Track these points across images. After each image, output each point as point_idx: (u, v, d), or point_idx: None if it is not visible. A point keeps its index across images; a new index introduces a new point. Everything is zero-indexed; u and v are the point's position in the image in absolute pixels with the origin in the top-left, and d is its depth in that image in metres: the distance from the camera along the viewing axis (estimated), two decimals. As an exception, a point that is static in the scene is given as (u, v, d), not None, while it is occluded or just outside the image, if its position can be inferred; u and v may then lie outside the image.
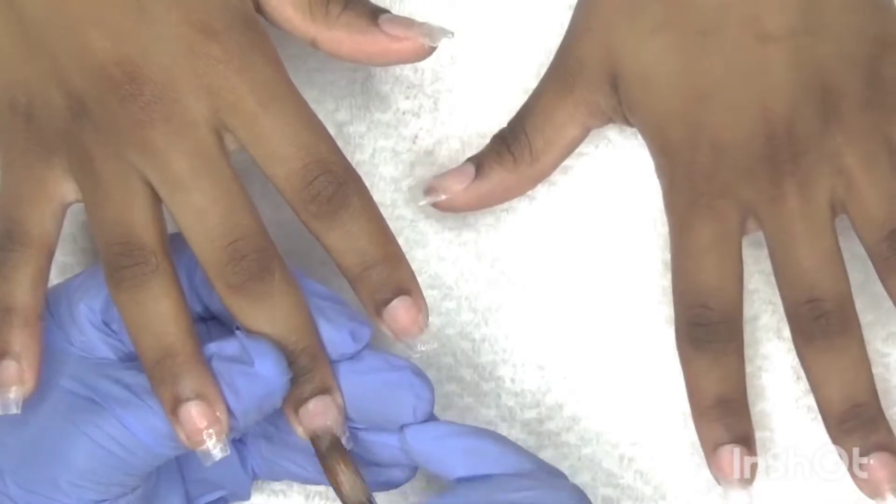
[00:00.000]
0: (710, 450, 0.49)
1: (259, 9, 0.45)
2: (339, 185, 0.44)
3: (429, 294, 0.52)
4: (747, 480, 0.49)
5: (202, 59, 0.43)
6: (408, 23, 0.45)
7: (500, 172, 0.50)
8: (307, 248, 0.48)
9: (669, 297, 0.51)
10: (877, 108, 0.48)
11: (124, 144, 0.43)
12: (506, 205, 0.52)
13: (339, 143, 0.51)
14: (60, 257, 0.51)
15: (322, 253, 0.45)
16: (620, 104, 0.50)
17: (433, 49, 0.46)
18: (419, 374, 0.46)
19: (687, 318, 0.49)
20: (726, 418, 0.48)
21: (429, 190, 0.50)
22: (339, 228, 0.44)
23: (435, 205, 0.50)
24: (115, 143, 0.43)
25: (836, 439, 0.48)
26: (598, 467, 0.52)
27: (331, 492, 0.51)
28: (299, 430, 0.45)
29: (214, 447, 0.43)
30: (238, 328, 0.44)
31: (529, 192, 0.52)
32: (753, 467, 0.49)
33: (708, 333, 0.48)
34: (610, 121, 0.51)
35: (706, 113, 0.48)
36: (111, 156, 0.43)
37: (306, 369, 0.44)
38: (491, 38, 0.53)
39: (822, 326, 0.48)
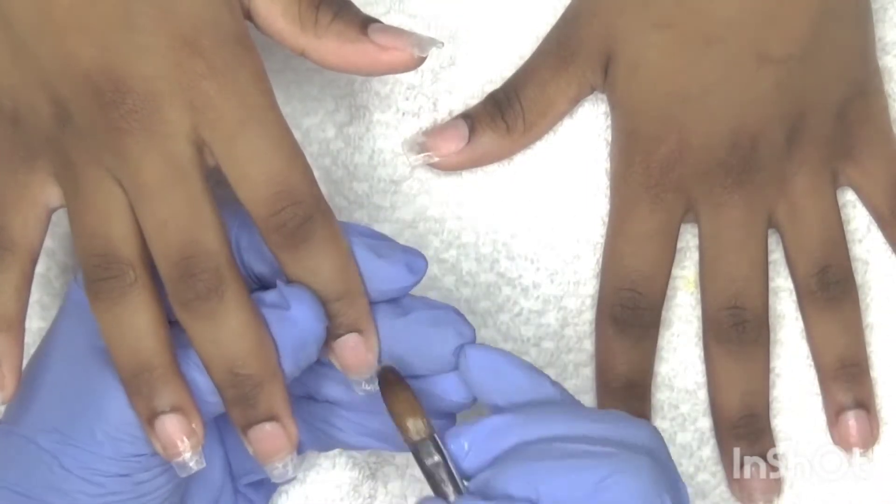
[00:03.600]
0: None
1: (249, 17, 0.45)
2: (305, 217, 0.43)
3: (429, 296, 0.52)
4: None
5: (186, 74, 0.42)
6: (397, 33, 0.45)
7: (493, 138, 0.51)
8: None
9: (671, 298, 0.52)
10: (833, 144, 0.51)
11: (103, 151, 0.43)
12: (505, 208, 0.52)
13: (339, 144, 0.52)
14: (62, 257, 0.51)
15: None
16: (605, 80, 0.51)
17: (423, 59, 0.46)
18: (461, 314, 0.45)
19: (615, 298, 0.51)
20: (631, 402, 0.51)
21: (422, 147, 0.51)
22: (301, 261, 0.44)
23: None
24: (94, 150, 0.43)
25: (722, 441, 0.51)
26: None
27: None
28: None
29: (190, 459, 0.43)
30: (280, 278, 0.44)
31: (528, 192, 0.52)
32: None
33: (633, 317, 0.50)
34: (593, 91, 0.52)
35: (684, 112, 0.50)
36: (91, 163, 0.43)
37: (249, 397, 0.43)
38: (490, 40, 0.53)
39: (739, 333, 0.50)
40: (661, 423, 0.52)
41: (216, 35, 0.43)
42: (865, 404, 0.51)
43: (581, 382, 0.52)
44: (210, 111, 0.43)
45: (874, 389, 0.52)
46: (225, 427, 0.47)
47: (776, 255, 0.52)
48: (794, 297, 0.52)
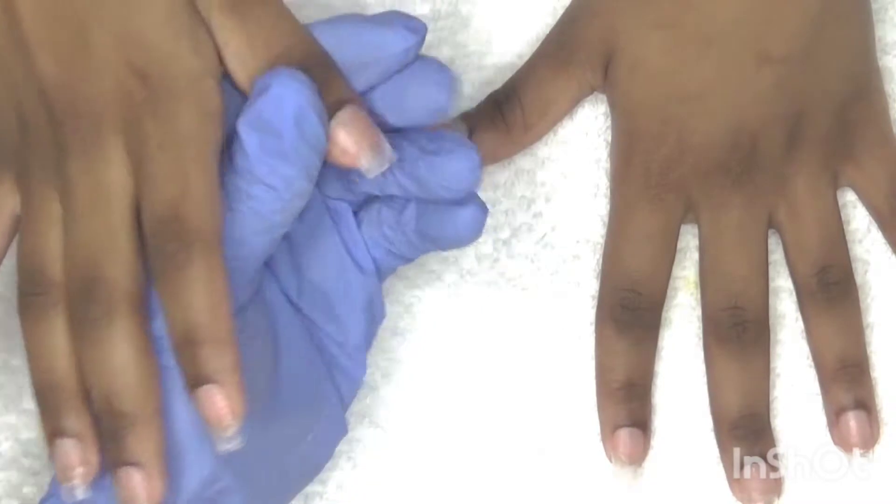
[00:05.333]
0: (610, 430, 0.51)
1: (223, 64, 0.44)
2: (183, 245, 0.41)
3: (430, 295, 0.52)
4: (638, 462, 0.51)
5: (128, 101, 0.42)
6: (359, 133, 0.43)
7: (493, 138, 0.51)
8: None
9: (672, 298, 0.52)
10: (833, 145, 0.51)
11: (50, 168, 0.43)
12: (507, 207, 0.52)
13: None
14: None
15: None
16: (605, 80, 0.52)
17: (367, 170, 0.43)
18: (440, 64, 0.45)
19: (615, 298, 0.51)
20: (631, 402, 0.51)
21: None
22: (173, 293, 0.41)
23: None
24: (45, 166, 0.43)
25: (722, 441, 0.51)
26: (599, 468, 0.52)
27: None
28: None
29: (77, 487, 0.42)
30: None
31: (528, 192, 0.53)
32: (647, 450, 0.51)
33: (634, 318, 0.50)
34: (592, 92, 0.52)
35: (684, 113, 0.50)
36: (43, 179, 0.43)
37: (120, 435, 0.42)
38: (490, 40, 0.53)
39: (739, 334, 0.50)
40: (661, 422, 0.52)
41: (169, 68, 0.43)
42: (866, 405, 0.51)
43: (582, 382, 0.52)
44: (140, 133, 0.42)
45: (874, 389, 0.52)
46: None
47: (776, 256, 0.52)
48: (794, 297, 0.52)
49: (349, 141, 0.42)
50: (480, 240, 0.52)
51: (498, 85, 0.52)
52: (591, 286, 0.52)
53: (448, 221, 0.45)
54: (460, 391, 0.52)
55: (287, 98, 0.41)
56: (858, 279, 0.52)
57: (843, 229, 0.51)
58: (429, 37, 0.51)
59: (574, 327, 0.52)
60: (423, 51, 0.52)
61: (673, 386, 0.52)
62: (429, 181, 0.44)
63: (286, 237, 0.45)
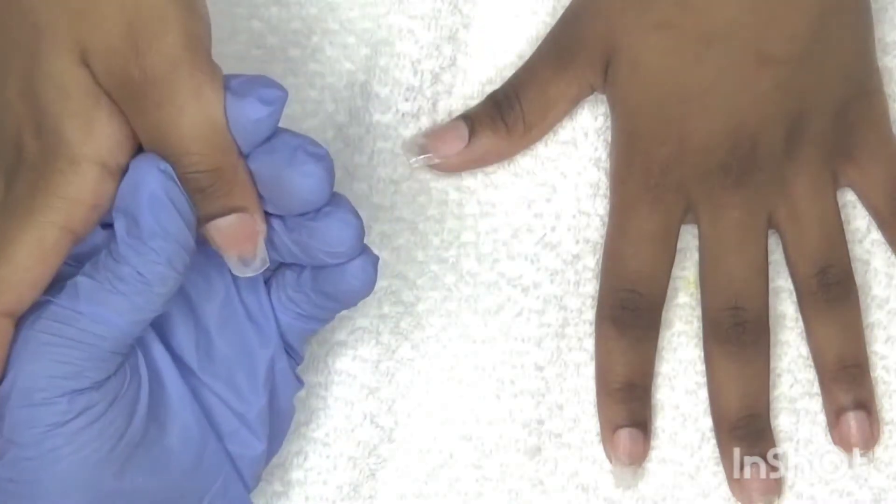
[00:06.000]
0: (610, 430, 0.51)
1: None
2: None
3: (430, 295, 0.52)
4: (638, 462, 0.51)
5: (18, 148, 0.43)
6: (231, 242, 0.43)
7: (493, 139, 0.52)
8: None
9: (672, 299, 0.52)
10: (833, 145, 0.51)
11: None
12: (507, 207, 0.52)
13: (339, 145, 0.52)
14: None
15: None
16: (605, 81, 0.52)
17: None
18: (317, 154, 0.43)
19: (615, 298, 0.51)
20: (631, 403, 0.51)
21: (421, 149, 0.51)
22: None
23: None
24: None
25: (722, 441, 0.51)
26: (599, 468, 0.52)
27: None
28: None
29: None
30: None
31: (528, 192, 0.53)
32: (647, 450, 0.51)
33: (633, 318, 0.50)
34: (592, 92, 0.53)
35: (684, 113, 0.50)
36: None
37: None
38: (490, 40, 0.53)
39: (739, 334, 0.50)
40: (661, 422, 0.52)
41: (50, 142, 0.42)
42: (866, 405, 0.51)
43: (582, 382, 0.52)
44: (9, 187, 0.43)
45: (874, 389, 0.52)
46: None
47: (776, 256, 0.52)
48: (794, 297, 0.52)
49: (219, 244, 0.43)
50: (480, 240, 0.52)
51: (498, 85, 0.52)
52: (591, 286, 0.52)
53: (339, 276, 0.45)
54: (461, 391, 0.52)
55: (140, 183, 0.42)
56: (858, 279, 0.52)
57: (843, 229, 0.51)
58: (430, 36, 0.52)
59: (574, 328, 0.52)
60: (424, 50, 0.53)
61: (673, 386, 0.52)
62: (311, 247, 0.44)
63: (189, 305, 0.46)
